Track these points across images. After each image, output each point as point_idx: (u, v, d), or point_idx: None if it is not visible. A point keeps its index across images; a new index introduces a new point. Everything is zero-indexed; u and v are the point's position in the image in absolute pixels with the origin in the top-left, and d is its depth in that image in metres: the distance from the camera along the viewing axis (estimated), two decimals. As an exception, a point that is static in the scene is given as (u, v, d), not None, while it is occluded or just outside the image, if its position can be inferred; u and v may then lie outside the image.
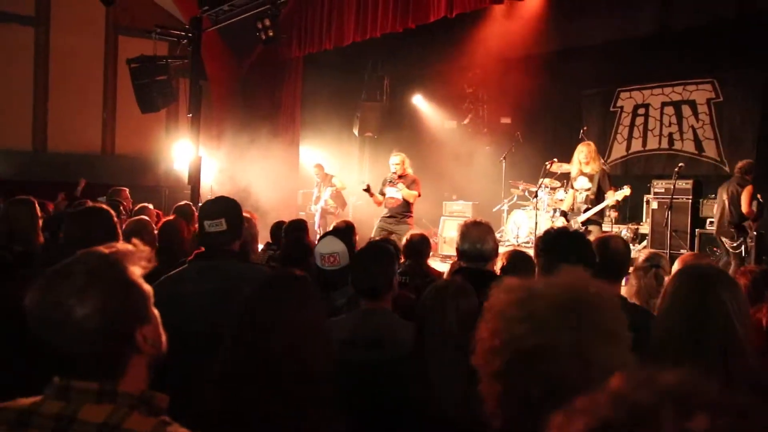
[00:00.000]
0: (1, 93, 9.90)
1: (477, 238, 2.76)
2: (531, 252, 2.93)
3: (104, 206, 3.02)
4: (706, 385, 0.56)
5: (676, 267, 3.20)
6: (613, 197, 6.79)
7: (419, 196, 7.54)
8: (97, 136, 10.90)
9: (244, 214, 2.86)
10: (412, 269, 4.21)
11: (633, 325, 2.38)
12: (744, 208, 6.87)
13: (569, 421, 0.58)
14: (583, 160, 6.97)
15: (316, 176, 10.37)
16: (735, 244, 7.01)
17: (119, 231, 3.02)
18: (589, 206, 6.81)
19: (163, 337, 1.35)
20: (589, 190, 6.87)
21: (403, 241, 4.47)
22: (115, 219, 2.99)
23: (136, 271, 1.31)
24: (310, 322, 1.58)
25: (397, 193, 7.40)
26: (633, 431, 0.55)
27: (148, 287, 1.33)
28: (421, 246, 4.38)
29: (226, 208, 2.58)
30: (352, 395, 2.47)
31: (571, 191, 7.16)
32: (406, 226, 7.29)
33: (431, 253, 7.27)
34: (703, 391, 0.55)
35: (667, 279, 2.48)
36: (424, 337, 2.07)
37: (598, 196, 6.81)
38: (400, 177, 7.49)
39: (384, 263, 2.66)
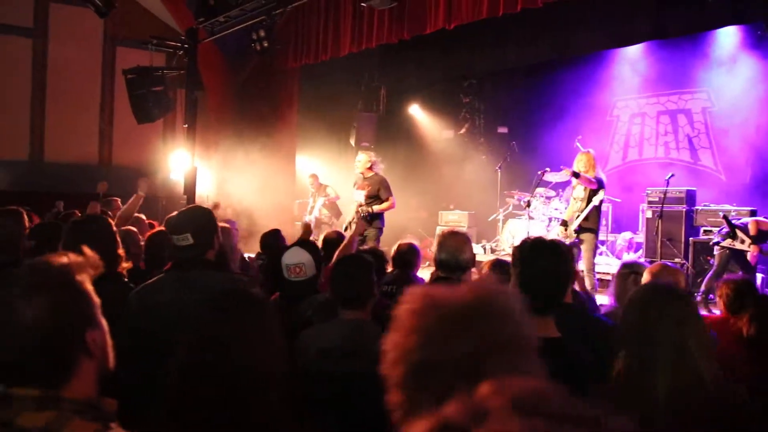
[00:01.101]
0: (-2, 104, 9.98)
1: (454, 248, 2.77)
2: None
3: (104, 216, 3.01)
4: (557, 395, 0.57)
5: (646, 277, 3.23)
6: (590, 204, 6.77)
7: (393, 201, 7.27)
8: (94, 147, 10.94)
9: (221, 224, 2.86)
10: (400, 279, 4.19)
11: (589, 333, 2.38)
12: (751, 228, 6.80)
13: (418, 424, 0.59)
14: (581, 168, 6.95)
15: (311, 186, 10.39)
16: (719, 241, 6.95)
17: (118, 239, 2.98)
18: (580, 214, 6.81)
19: (111, 349, 1.36)
20: (584, 199, 6.86)
21: (393, 250, 4.46)
22: (114, 228, 2.97)
23: (84, 279, 1.33)
24: (259, 336, 1.58)
25: (362, 197, 7.29)
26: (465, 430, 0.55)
27: (96, 297, 1.35)
28: (409, 256, 4.36)
29: (192, 220, 2.56)
30: (329, 405, 2.47)
31: (572, 200, 7.15)
32: (374, 230, 7.18)
33: (427, 263, 7.25)
34: (548, 400, 0.56)
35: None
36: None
37: (589, 204, 6.80)
38: (365, 179, 7.31)
39: (364, 272, 2.66)
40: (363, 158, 7.37)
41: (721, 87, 9.78)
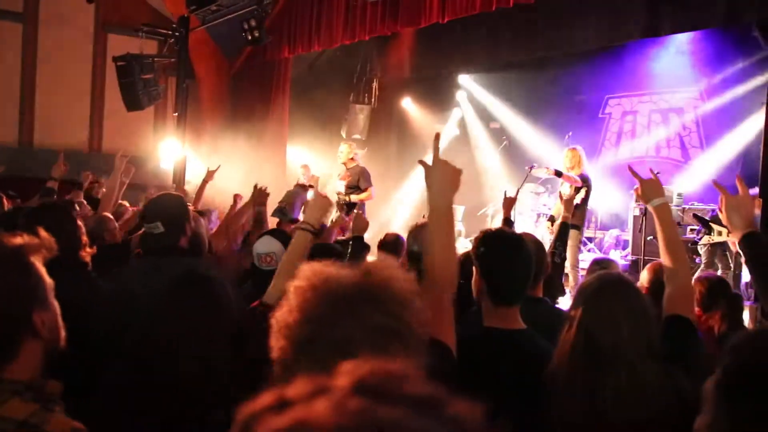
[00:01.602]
0: (-12, 88, 9.92)
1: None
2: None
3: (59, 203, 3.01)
4: (411, 380, 0.56)
5: (645, 275, 3.24)
6: (573, 202, 6.79)
7: (372, 192, 7.58)
8: (84, 133, 10.87)
9: (192, 212, 2.85)
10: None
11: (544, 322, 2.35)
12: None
13: (261, 398, 0.58)
14: (567, 165, 7.01)
15: (302, 176, 10.36)
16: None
17: (79, 225, 2.97)
18: None
19: (62, 330, 1.36)
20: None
21: (379, 240, 4.49)
22: (73, 213, 2.97)
23: (36, 260, 1.32)
24: (204, 323, 1.57)
25: (342, 187, 7.47)
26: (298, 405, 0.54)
27: (48, 279, 1.34)
28: (394, 246, 4.38)
29: (163, 209, 2.57)
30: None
31: (559, 197, 7.18)
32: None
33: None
34: (395, 384, 0.55)
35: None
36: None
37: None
38: (347, 169, 7.56)
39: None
40: (345, 149, 7.58)
41: (713, 86, 9.80)
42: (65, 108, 10.56)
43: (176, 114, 9.07)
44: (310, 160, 11.18)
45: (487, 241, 2.16)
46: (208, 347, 1.51)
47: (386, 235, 4.44)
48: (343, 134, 11.92)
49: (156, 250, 2.55)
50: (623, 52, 10.60)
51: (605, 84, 11.06)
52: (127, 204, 5.87)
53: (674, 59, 10.00)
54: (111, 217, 3.75)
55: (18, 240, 1.34)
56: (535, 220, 9.32)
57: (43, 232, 1.40)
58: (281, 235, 2.77)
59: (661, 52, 10.08)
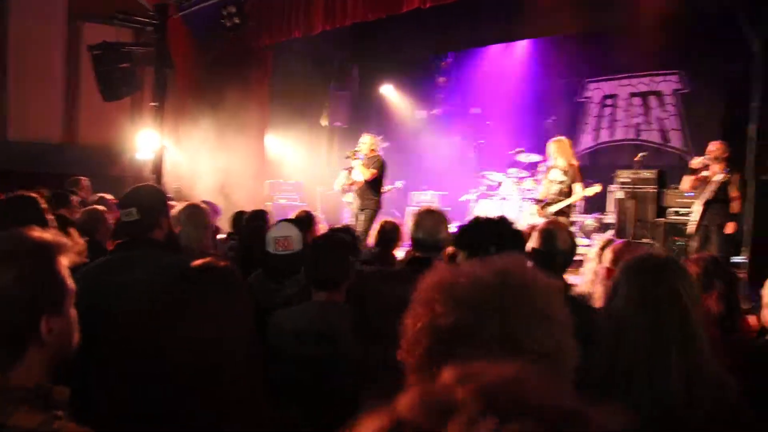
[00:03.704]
0: (-42, 80, 9.62)
1: (431, 227, 2.74)
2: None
3: (32, 194, 2.85)
4: (533, 384, 0.51)
5: (609, 255, 3.22)
6: (582, 193, 6.91)
7: (376, 174, 7.32)
8: (60, 125, 10.62)
9: (202, 204, 2.79)
10: (380, 257, 4.19)
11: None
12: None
13: (368, 421, 0.51)
14: (552, 154, 7.14)
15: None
16: None
17: (48, 217, 2.86)
18: (562, 199, 6.94)
19: (75, 336, 1.30)
20: (562, 183, 6.98)
21: (376, 228, 4.46)
22: (44, 205, 2.84)
23: (63, 262, 1.26)
24: (223, 317, 1.50)
25: (359, 175, 7.33)
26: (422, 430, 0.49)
27: (71, 283, 1.28)
28: (392, 234, 4.35)
29: (139, 196, 2.51)
30: (300, 390, 2.43)
31: (547, 182, 7.26)
32: (368, 210, 7.25)
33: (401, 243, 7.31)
34: (523, 391, 0.50)
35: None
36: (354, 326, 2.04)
37: (571, 190, 6.95)
38: (368, 159, 7.37)
39: (338, 253, 2.61)
40: (368, 140, 7.47)
41: (693, 69, 9.89)
42: (40, 99, 10.31)
43: (154, 104, 8.91)
44: (289, 149, 11.09)
45: (474, 227, 2.18)
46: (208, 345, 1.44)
47: (385, 222, 4.40)
48: (323, 122, 11.82)
49: (130, 239, 2.47)
50: (603, 35, 10.64)
51: (584, 67, 11.11)
52: (109, 196, 5.75)
53: (655, 42, 10.04)
54: (104, 208, 3.64)
55: (46, 236, 1.26)
56: (519, 206, 9.35)
57: (76, 235, 1.33)
58: (299, 224, 2.73)
59: (642, 35, 10.10)
